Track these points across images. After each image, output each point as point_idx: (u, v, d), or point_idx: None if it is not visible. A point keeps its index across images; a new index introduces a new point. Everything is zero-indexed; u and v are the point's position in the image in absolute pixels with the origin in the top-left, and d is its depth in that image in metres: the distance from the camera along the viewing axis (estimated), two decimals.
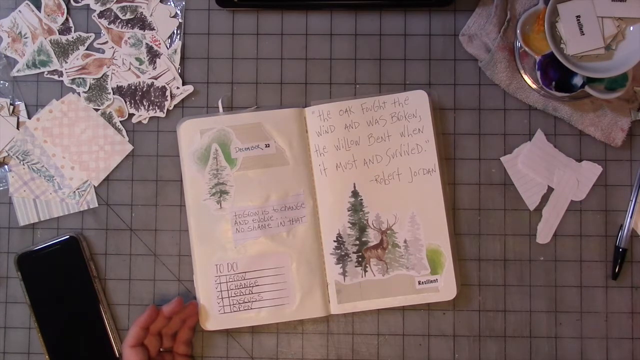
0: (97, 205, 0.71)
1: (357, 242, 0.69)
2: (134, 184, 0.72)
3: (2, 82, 0.72)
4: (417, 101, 0.69)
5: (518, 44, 0.69)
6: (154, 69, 0.71)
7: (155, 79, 0.71)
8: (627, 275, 0.70)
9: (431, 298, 0.68)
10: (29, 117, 0.72)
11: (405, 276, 0.68)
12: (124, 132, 0.72)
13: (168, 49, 0.71)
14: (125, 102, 0.71)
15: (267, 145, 0.69)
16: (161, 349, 0.67)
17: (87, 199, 0.71)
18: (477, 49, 0.70)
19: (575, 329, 0.70)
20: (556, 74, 0.66)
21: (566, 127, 0.71)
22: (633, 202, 0.70)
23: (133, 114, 0.71)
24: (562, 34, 0.66)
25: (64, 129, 0.71)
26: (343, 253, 0.69)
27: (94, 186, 0.71)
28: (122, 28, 0.71)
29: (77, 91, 0.71)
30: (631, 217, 0.70)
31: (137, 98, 0.71)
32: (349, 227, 0.69)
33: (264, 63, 0.72)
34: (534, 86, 0.69)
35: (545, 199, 0.70)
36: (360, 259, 0.69)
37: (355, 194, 0.69)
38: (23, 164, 0.71)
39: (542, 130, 0.71)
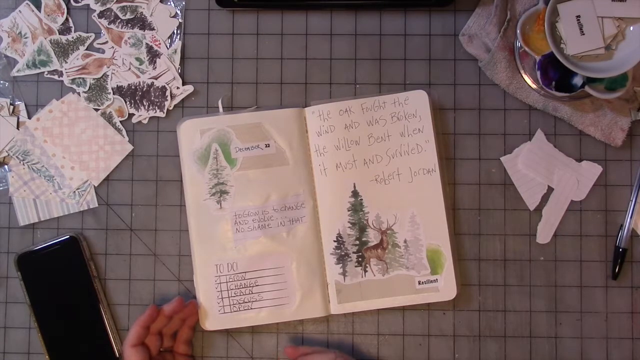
0: (97, 205, 0.71)
1: (357, 242, 0.69)
2: (134, 184, 0.72)
3: (2, 82, 0.72)
4: (417, 101, 0.69)
5: (518, 44, 0.69)
6: (154, 69, 0.71)
7: (155, 79, 0.71)
8: (627, 275, 0.70)
9: (431, 298, 0.68)
10: (29, 117, 0.72)
11: (405, 276, 0.68)
12: (124, 132, 0.72)
13: (168, 49, 0.71)
14: (125, 102, 0.71)
15: (267, 145, 0.69)
16: (161, 349, 0.67)
17: (87, 199, 0.71)
18: (477, 49, 0.70)
19: (575, 329, 0.70)
20: (556, 74, 0.66)
21: (566, 127, 0.71)
22: (633, 202, 0.70)
23: (133, 114, 0.71)
24: (562, 34, 0.66)
25: (64, 129, 0.71)
26: (343, 253, 0.69)
27: (94, 186, 0.71)
28: (122, 28, 0.71)
29: (77, 91, 0.71)
30: (631, 217, 0.70)
31: (137, 98, 0.71)
32: (349, 227, 0.69)
33: (264, 63, 0.72)
34: (534, 86, 0.69)
35: (545, 199, 0.70)
36: (360, 259, 0.69)
37: (355, 194, 0.69)
38: (23, 164, 0.71)
39: (542, 130, 0.71)
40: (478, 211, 0.71)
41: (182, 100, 0.72)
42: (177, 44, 0.72)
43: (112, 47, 0.72)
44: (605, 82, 0.66)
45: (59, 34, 0.72)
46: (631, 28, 0.66)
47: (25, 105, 0.72)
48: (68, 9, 0.72)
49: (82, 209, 0.71)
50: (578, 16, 0.65)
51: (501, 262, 0.70)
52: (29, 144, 0.71)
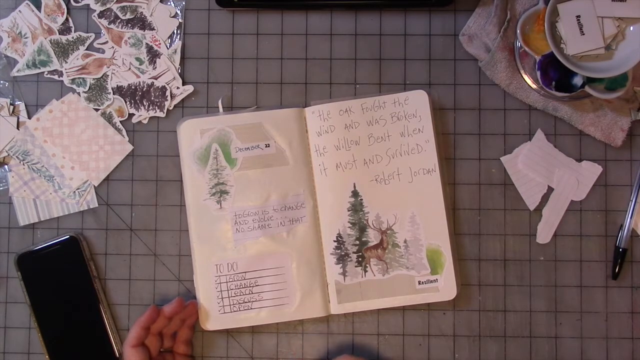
0: (97, 205, 0.71)
1: (357, 242, 0.69)
2: (134, 184, 0.72)
3: (2, 82, 0.72)
4: (417, 101, 0.69)
5: (518, 44, 0.69)
6: (154, 69, 0.71)
7: (155, 79, 0.71)
8: (627, 275, 0.70)
9: (431, 298, 0.68)
10: (29, 117, 0.72)
11: (405, 276, 0.68)
12: (124, 132, 0.72)
13: (168, 49, 0.71)
14: (125, 102, 0.71)
15: (267, 145, 0.69)
16: (161, 349, 0.67)
17: (87, 199, 0.71)
18: (477, 49, 0.70)
19: (575, 329, 0.70)
20: (556, 74, 0.66)
21: (566, 127, 0.71)
22: (633, 202, 0.70)
23: (133, 114, 0.71)
24: (562, 34, 0.66)
25: (64, 129, 0.71)
26: (343, 253, 0.69)
27: (94, 186, 0.71)
28: (122, 28, 0.71)
29: (77, 91, 0.71)
30: (631, 217, 0.70)
31: (137, 98, 0.71)
32: (349, 227, 0.69)
33: (264, 63, 0.72)
34: (534, 86, 0.69)
35: (545, 199, 0.70)
36: (360, 259, 0.69)
37: (355, 194, 0.69)
38: (23, 164, 0.71)
39: (542, 130, 0.71)
40: (478, 211, 0.71)
41: (182, 100, 0.72)
42: (177, 44, 0.72)
43: (112, 47, 0.72)
44: (605, 82, 0.66)
45: (59, 34, 0.72)
46: (631, 28, 0.66)
47: (25, 105, 0.72)
48: (68, 9, 0.72)
49: (82, 209, 0.71)
50: (578, 16, 0.65)
51: (501, 262, 0.70)
52: (29, 144, 0.71)
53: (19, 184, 0.71)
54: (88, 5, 0.71)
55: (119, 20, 0.71)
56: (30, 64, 0.72)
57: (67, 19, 0.72)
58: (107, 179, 0.72)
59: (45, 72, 0.72)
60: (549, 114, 0.70)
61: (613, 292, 0.70)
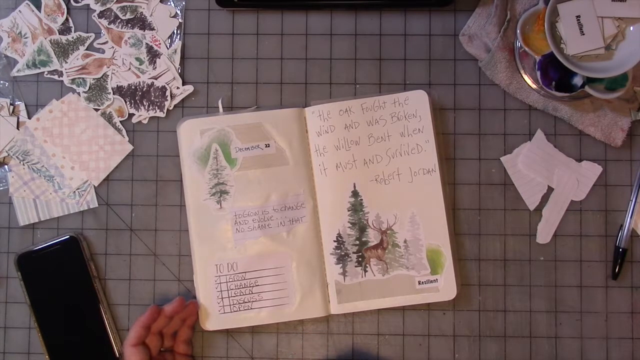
0: (97, 205, 0.71)
1: (357, 242, 0.69)
2: (134, 184, 0.72)
3: (2, 82, 0.72)
4: (417, 101, 0.69)
5: (518, 44, 0.69)
6: (154, 69, 0.71)
7: (155, 79, 0.71)
8: (627, 275, 0.70)
9: (431, 298, 0.68)
10: (29, 117, 0.72)
11: (405, 276, 0.68)
12: (124, 132, 0.72)
13: (168, 49, 0.71)
14: (125, 102, 0.71)
15: (267, 145, 0.69)
16: (162, 349, 0.67)
17: (87, 199, 0.71)
18: (477, 49, 0.70)
19: (575, 329, 0.70)
20: (556, 74, 0.66)
21: (566, 127, 0.71)
22: (633, 202, 0.70)
23: (133, 114, 0.71)
24: (562, 34, 0.66)
25: (64, 129, 0.71)
26: (343, 253, 0.69)
27: (94, 186, 0.71)
28: (122, 28, 0.71)
29: (77, 91, 0.71)
30: (631, 217, 0.70)
31: (137, 98, 0.71)
32: (349, 227, 0.69)
33: (264, 63, 0.72)
34: (534, 86, 0.69)
35: (545, 199, 0.70)
36: (360, 259, 0.69)
37: (355, 193, 0.69)
38: (23, 164, 0.71)
39: (542, 130, 0.71)
40: (478, 211, 0.71)
41: (182, 100, 0.72)
42: (177, 44, 0.72)
43: (112, 47, 0.72)
44: (605, 82, 0.66)
45: (59, 34, 0.72)
46: (631, 28, 0.66)
47: (25, 105, 0.72)
48: (68, 9, 0.72)
49: (82, 209, 0.71)
50: (578, 16, 0.65)
51: (501, 262, 0.70)
52: (29, 144, 0.71)
53: (19, 184, 0.71)
54: (88, 5, 0.71)
55: (119, 20, 0.71)
56: (30, 64, 0.72)
57: (67, 19, 0.72)
58: (107, 179, 0.72)
59: (45, 72, 0.72)
60: (549, 114, 0.70)
61: (613, 292, 0.70)
